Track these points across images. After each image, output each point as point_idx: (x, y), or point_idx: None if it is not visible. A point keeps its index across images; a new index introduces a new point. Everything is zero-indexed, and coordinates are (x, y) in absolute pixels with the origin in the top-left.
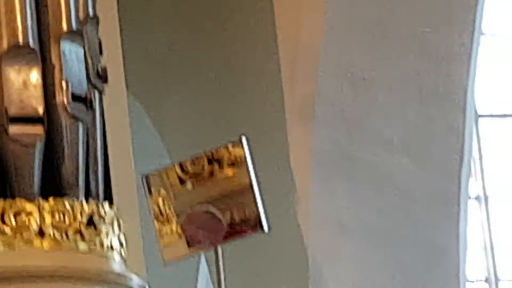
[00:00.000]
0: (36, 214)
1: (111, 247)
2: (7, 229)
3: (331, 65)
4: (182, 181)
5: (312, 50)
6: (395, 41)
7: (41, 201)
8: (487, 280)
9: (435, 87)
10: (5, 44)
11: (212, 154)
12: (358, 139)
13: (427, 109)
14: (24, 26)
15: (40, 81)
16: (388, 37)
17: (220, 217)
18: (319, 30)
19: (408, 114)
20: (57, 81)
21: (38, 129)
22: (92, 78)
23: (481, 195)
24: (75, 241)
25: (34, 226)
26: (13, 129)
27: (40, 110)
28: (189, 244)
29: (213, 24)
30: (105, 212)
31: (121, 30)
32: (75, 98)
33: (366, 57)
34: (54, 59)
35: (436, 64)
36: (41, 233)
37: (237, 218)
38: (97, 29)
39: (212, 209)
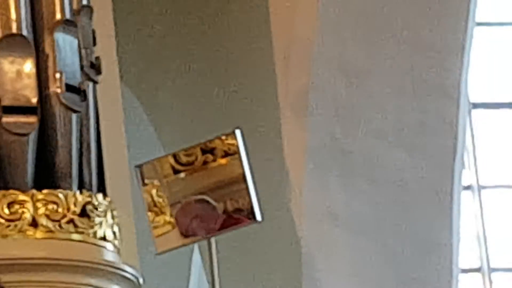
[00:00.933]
0: (29, 204)
1: (104, 237)
2: (1, 219)
3: (325, 58)
4: (175, 171)
5: (306, 42)
6: (389, 33)
7: (35, 191)
8: (480, 269)
9: (429, 79)
10: None
11: (206, 144)
12: (351, 131)
13: (421, 101)
14: (18, 16)
15: (33, 71)
16: (382, 29)
17: (215, 206)
18: (313, 23)
19: (402, 106)
20: (50, 71)
21: (31, 119)
22: (85, 69)
23: (474, 185)
24: (68, 231)
25: (28, 216)
26: (7, 119)
27: (34, 100)
28: (183, 235)
29: (207, 16)
30: (98, 203)
31: (115, 21)
32: (69, 88)
33: (360, 50)
34: (48, 49)
35: (430, 56)
36: (34, 223)
37: (230, 208)
38: (91, 19)
39: (207, 198)
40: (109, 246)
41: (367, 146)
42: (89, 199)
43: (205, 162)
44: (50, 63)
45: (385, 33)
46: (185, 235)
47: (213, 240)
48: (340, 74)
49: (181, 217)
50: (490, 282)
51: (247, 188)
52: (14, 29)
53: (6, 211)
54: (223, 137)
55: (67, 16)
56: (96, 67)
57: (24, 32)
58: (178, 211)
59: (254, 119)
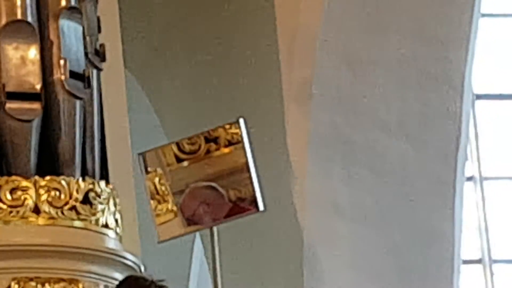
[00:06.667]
0: (32, 191)
1: (106, 224)
2: (3, 205)
3: (329, 48)
4: (178, 160)
5: (310, 32)
6: (393, 24)
7: (37, 177)
8: (481, 261)
9: (433, 70)
10: (3, 20)
11: (209, 133)
12: (355, 122)
13: (425, 92)
14: (23, 2)
15: (38, 57)
16: (386, 20)
17: (223, 194)
18: (318, 13)
19: (405, 97)
20: (55, 58)
21: (35, 106)
22: (90, 56)
23: (477, 176)
24: (71, 218)
25: (30, 203)
26: (11, 105)
27: (38, 86)
28: (188, 222)
29: (212, 5)
30: (101, 190)
31: (120, 8)
32: (73, 75)
33: (364, 40)
34: (53, 36)
35: (435, 47)
36: (36, 209)
37: (233, 197)
38: (96, 6)
39: (216, 186)
40: (111, 233)
41: (370, 136)
42: (91, 186)
43: (208, 151)
44: (54, 50)
45: (390, 24)
46: (190, 220)
47: (215, 229)
48: (344, 65)
49: (189, 201)
50: (491, 273)
51: (250, 177)
52: (19, 15)
53: (9, 197)
54: (227, 126)
55: (72, 3)
56: (100, 54)
57: (29, 19)
58: (186, 196)
59: (258, 108)
